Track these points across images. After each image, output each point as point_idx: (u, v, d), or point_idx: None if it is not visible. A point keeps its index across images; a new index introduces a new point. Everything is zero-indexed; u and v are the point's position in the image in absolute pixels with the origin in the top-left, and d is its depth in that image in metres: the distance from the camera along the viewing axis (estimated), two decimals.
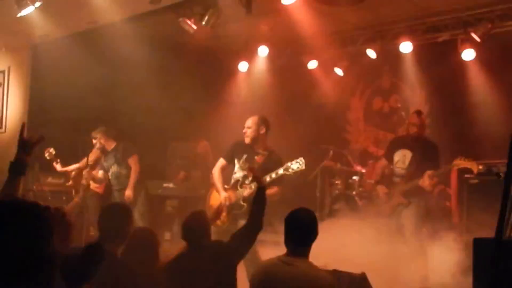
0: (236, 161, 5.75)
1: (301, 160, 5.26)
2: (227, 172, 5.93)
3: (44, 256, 1.73)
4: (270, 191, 5.52)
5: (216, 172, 5.84)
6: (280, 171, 5.32)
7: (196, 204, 6.74)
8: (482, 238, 2.19)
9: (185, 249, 3.77)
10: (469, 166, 5.59)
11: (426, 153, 5.91)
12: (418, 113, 6.13)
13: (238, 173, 5.66)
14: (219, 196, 5.75)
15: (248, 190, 5.41)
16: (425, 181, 5.67)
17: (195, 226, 3.79)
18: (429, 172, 5.68)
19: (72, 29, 7.28)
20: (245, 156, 5.64)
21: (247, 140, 5.64)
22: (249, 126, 5.65)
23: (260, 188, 4.11)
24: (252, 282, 3.44)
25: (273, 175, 5.38)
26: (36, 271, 1.72)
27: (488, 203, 5.12)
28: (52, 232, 1.79)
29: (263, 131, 5.68)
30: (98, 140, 6.94)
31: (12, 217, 1.73)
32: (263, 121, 5.70)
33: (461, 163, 5.61)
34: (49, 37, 7.47)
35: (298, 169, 5.28)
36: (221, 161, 5.87)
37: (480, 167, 5.85)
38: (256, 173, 4.46)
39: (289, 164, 5.30)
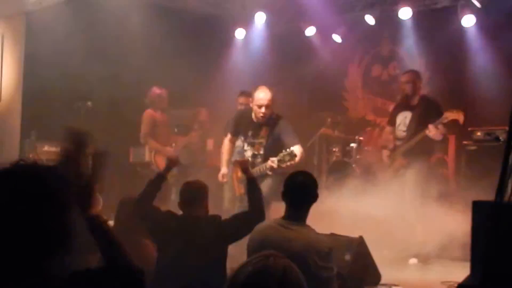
0: (242, 138, 5.62)
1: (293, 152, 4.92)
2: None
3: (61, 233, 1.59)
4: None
5: (225, 147, 5.78)
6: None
7: (195, 172, 6.70)
8: (482, 201, 2.18)
9: (179, 218, 3.67)
10: (456, 117, 5.69)
11: (427, 110, 5.89)
12: (409, 72, 6.19)
13: (248, 152, 5.47)
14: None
15: (258, 171, 5.20)
16: (431, 130, 5.67)
17: (193, 194, 3.69)
18: (430, 125, 5.67)
19: None
20: (250, 133, 5.51)
21: (261, 120, 5.37)
22: (267, 105, 5.24)
23: (250, 181, 3.91)
24: (249, 246, 3.38)
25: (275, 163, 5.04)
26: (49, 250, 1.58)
27: (486, 171, 5.14)
28: (68, 208, 1.62)
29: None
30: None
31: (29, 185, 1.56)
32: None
33: (450, 115, 5.68)
34: (42, 3, 7.33)
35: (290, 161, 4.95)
36: (229, 137, 5.78)
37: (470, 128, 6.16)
38: (245, 165, 4.20)
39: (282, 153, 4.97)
